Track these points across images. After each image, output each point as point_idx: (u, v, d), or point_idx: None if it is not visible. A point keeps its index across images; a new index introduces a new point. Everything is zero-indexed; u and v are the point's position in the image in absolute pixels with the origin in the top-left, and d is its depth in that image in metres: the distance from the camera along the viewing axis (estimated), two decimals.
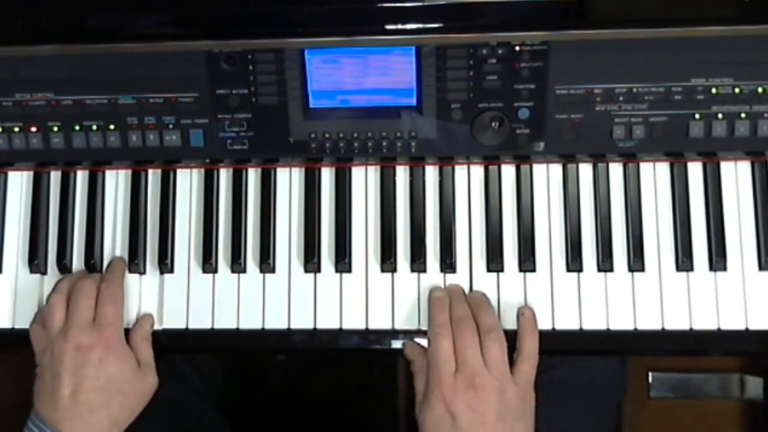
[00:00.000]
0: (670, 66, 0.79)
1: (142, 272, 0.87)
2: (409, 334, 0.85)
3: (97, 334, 0.80)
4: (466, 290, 0.85)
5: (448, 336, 0.79)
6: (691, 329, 0.83)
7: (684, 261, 0.84)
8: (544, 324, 0.83)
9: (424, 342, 0.84)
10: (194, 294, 0.86)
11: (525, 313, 0.83)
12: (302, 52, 0.79)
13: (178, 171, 0.88)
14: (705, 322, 0.83)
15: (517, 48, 0.79)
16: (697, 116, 0.81)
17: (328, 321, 0.85)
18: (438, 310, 0.82)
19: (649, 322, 0.83)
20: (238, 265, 0.86)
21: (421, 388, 0.80)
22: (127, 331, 0.84)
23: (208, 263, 0.86)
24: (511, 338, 0.81)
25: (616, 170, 0.86)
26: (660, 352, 0.85)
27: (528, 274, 0.85)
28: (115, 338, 0.81)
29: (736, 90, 0.80)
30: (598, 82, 0.80)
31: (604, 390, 0.98)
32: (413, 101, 0.82)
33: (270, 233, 0.86)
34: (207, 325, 0.86)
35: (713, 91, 0.80)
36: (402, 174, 0.87)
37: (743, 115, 0.80)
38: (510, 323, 0.83)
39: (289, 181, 0.88)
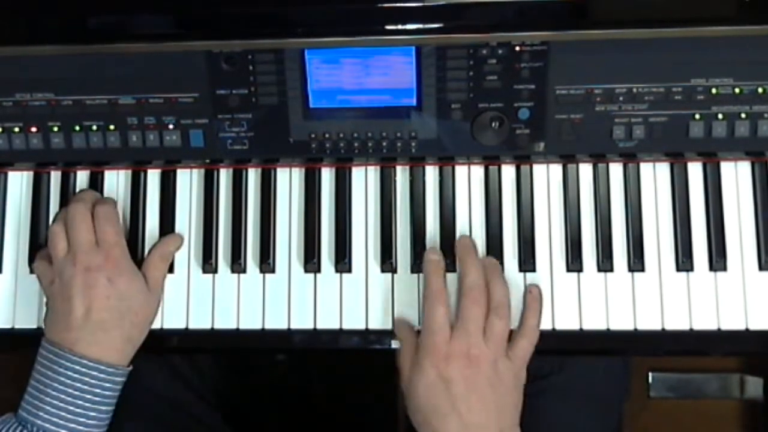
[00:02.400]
0: (670, 66, 0.79)
1: None
2: None
3: (104, 254, 0.80)
4: None
5: (444, 302, 0.79)
6: (691, 329, 0.83)
7: (684, 261, 0.84)
8: (544, 324, 0.83)
9: None
10: (194, 294, 0.86)
11: (532, 290, 0.83)
12: (302, 52, 0.79)
13: (178, 171, 0.88)
14: (705, 322, 0.83)
15: (517, 48, 0.79)
16: (697, 116, 0.81)
17: (328, 321, 0.85)
18: (433, 275, 0.81)
19: (649, 322, 0.83)
20: (238, 265, 0.86)
21: (407, 360, 0.79)
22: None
23: (208, 263, 0.86)
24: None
25: (616, 170, 0.86)
26: (660, 352, 0.86)
27: (528, 274, 0.85)
28: (121, 257, 0.81)
29: (736, 90, 0.80)
30: (598, 82, 0.80)
31: (606, 392, 0.98)
32: (413, 101, 0.82)
33: (270, 233, 0.86)
34: (207, 325, 0.86)
35: (713, 91, 0.80)
36: (402, 174, 0.87)
37: (743, 116, 0.80)
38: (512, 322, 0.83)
39: (289, 181, 0.88)
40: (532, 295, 0.82)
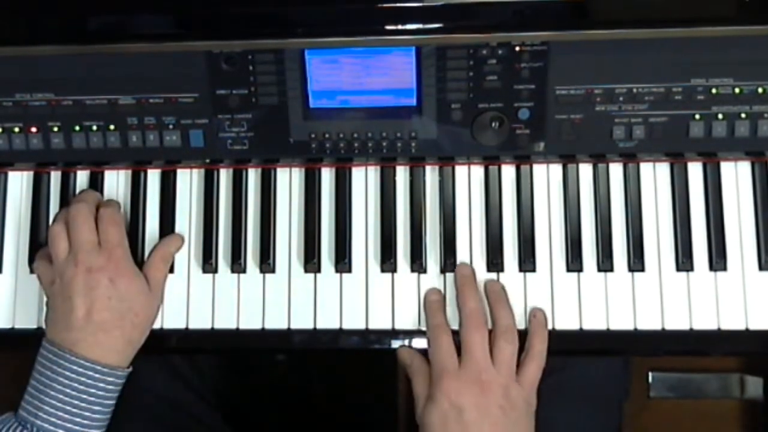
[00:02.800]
0: (670, 66, 0.79)
1: None
2: (409, 334, 0.85)
3: (106, 255, 0.80)
4: None
5: (447, 332, 0.80)
6: (691, 329, 0.83)
7: (684, 261, 0.84)
8: None
9: (422, 343, 0.84)
10: (194, 294, 0.86)
11: (537, 315, 0.83)
12: (302, 52, 0.79)
13: (178, 171, 0.88)
14: (705, 322, 0.83)
15: (517, 48, 0.79)
16: (697, 116, 0.81)
17: (328, 321, 0.85)
18: (433, 313, 0.82)
19: (649, 322, 0.83)
20: (238, 265, 0.86)
21: (421, 390, 0.80)
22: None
23: (208, 263, 0.86)
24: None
25: (616, 170, 0.86)
26: (660, 352, 0.86)
27: (528, 274, 0.85)
28: (123, 259, 0.81)
29: (736, 90, 0.80)
30: (598, 82, 0.80)
31: (606, 392, 0.98)
32: (413, 101, 0.82)
33: (270, 233, 0.86)
34: (207, 325, 0.86)
35: (713, 91, 0.80)
36: (402, 174, 0.87)
37: (743, 115, 0.80)
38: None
39: (289, 181, 0.88)
40: (537, 320, 0.82)
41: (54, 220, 0.85)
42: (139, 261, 0.86)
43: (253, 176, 0.88)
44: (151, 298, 0.83)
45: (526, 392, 0.79)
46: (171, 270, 0.87)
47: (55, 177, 0.89)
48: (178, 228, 0.88)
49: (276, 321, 0.85)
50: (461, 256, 0.85)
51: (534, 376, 0.80)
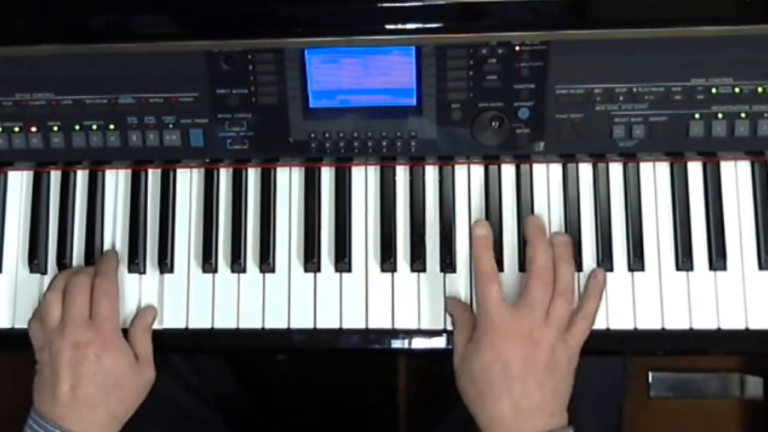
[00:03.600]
0: (670, 66, 0.79)
1: (142, 272, 0.87)
2: (409, 334, 0.85)
3: (94, 330, 0.80)
4: (466, 290, 0.85)
5: (497, 279, 0.78)
6: (691, 329, 0.83)
7: (684, 261, 0.84)
8: None
9: (422, 343, 0.84)
10: (194, 294, 0.86)
11: (598, 276, 0.82)
12: (302, 52, 0.79)
13: (178, 171, 0.88)
14: (705, 321, 0.83)
15: (517, 48, 0.79)
16: (697, 116, 0.81)
17: (328, 321, 0.85)
18: (483, 252, 0.80)
19: (649, 321, 0.83)
20: (238, 265, 0.86)
21: (461, 340, 0.79)
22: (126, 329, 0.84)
23: (208, 263, 0.86)
24: None
25: (616, 170, 0.86)
26: (660, 352, 0.85)
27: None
28: (111, 333, 0.81)
29: (736, 90, 0.80)
30: (598, 82, 0.80)
31: (605, 392, 0.97)
32: (413, 101, 0.82)
33: (270, 233, 0.86)
34: (207, 325, 0.86)
35: (713, 91, 0.80)
36: (402, 174, 0.87)
37: (743, 115, 0.80)
38: None
39: (289, 181, 0.88)
40: (596, 280, 0.81)
41: (50, 287, 0.84)
42: (138, 260, 0.86)
43: (253, 176, 0.88)
44: (139, 373, 0.82)
45: (572, 351, 0.78)
46: (171, 270, 0.87)
47: (55, 177, 0.89)
48: (178, 228, 0.88)
49: (276, 321, 0.85)
50: (461, 255, 0.85)
51: (583, 335, 0.78)
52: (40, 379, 0.80)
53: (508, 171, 0.86)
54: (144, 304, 0.86)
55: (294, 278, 0.86)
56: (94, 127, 0.84)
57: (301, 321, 0.85)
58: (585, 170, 0.86)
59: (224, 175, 0.88)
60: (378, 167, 0.87)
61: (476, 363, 0.76)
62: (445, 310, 0.84)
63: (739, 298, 0.83)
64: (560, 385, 0.76)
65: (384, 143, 0.83)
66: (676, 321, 0.83)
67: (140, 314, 0.85)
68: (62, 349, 0.79)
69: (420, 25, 0.77)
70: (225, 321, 0.86)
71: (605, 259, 0.84)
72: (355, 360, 1.22)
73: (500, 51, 0.79)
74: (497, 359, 0.75)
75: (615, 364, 0.99)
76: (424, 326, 0.84)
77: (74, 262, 0.88)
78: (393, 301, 0.85)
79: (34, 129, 0.84)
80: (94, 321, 0.81)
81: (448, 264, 0.85)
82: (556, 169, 0.86)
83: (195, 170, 0.88)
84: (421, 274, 0.85)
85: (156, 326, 0.86)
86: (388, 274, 0.86)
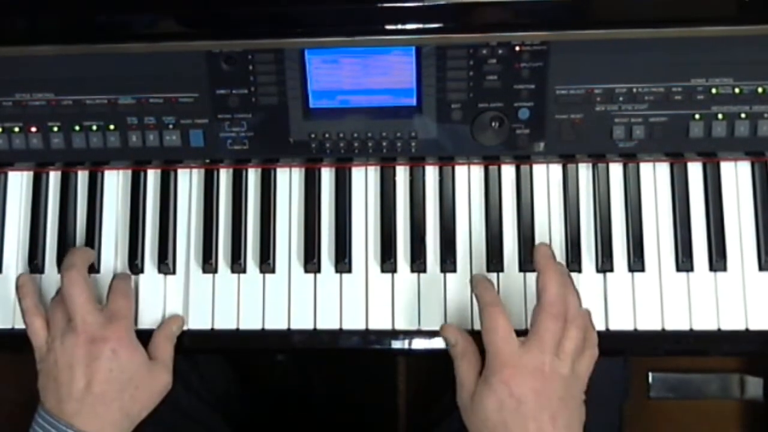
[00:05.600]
0: (670, 66, 0.79)
1: (142, 272, 0.87)
2: (409, 335, 0.85)
3: (110, 326, 0.80)
4: (466, 291, 0.84)
5: (503, 312, 0.76)
6: (691, 329, 0.83)
7: (684, 261, 0.84)
8: None
9: (422, 343, 0.84)
10: (194, 294, 0.86)
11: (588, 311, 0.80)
12: (302, 52, 0.79)
13: (178, 171, 0.88)
14: (705, 322, 0.83)
15: (517, 48, 0.79)
16: (697, 116, 0.81)
17: (328, 321, 0.85)
18: (485, 289, 0.79)
19: (649, 322, 0.83)
20: (238, 265, 0.86)
21: (467, 375, 0.77)
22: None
23: (208, 263, 0.86)
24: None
25: (616, 170, 0.86)
26: (660, 352, 0.85)
27: (528, 274, 0.85)
28: (127, 330, 0.81)
29: (736, 90, 0.80)
30: (598, 82, 0.80)
31: (606, 392, 0.97)
32: (413, 101, 0.82)
33: (270, 233, 0.86)
34: (207, 325, 0.86)
35: (713, 91, 0.80)
36: (402, 174, 0.87)
37: (743, 115, 0.80)
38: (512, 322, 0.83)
39: (289, 181, 0.88)
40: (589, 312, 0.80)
41: (53, 299, 0.84)
42: (138, 260, 0.86)
43: (253, 176, 0.88)
44: (154, 373, 0.82)
45: (582, 381, 0.77)
46: (172, 272, 0.87)
47: (55, 177, 0.89)
48: (178, 228, 0.88)
49: (276, 321, 0.85)
50: (461, 255, 0.85)
51: (589, 367, 0.77)
52: (47, 377, 0.79)
53: (508, 171, 0.86)
54: (143, 303, 0.86)
55: (294, 279, 0.86)
56: (94, 127, 0.84)
57: (301, 321, 0.85)
58: (585, 170, 0.86)
59: (224, 176, 0.88)
60: (378, 167, 0.87)
61: (490, 401, 0.73)
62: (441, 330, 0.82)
63: (739, 298, 0.83)
64: (574, 416, 0.75)
65: (384, 143, 0.83)
66: (677, 322, 0.83)
67: (166, 322, 0.85)
68: (77, 344, 0.78)
69: (420, 26, 0.77)
70: (225, 321, 0.86)
71: (605, 260, 0.84)
72: (355, 360, 1.22)
73: (500, 51, 0.79)
74: (511, 396, 0.72)
75: (615, 364, 0.99)
76: (424, 327, 0.84)
77: None
78: (393, 302, 0.85)
79: (34, 129, 0.84)
80: (110, 318, 0.80)
81: (448, 264, 0.85)
82: (556, 169, 0.86)
83: (195, 170, 0.88)
84: (422, 275, 0.85)
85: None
86: (388, 275, 0.86)
